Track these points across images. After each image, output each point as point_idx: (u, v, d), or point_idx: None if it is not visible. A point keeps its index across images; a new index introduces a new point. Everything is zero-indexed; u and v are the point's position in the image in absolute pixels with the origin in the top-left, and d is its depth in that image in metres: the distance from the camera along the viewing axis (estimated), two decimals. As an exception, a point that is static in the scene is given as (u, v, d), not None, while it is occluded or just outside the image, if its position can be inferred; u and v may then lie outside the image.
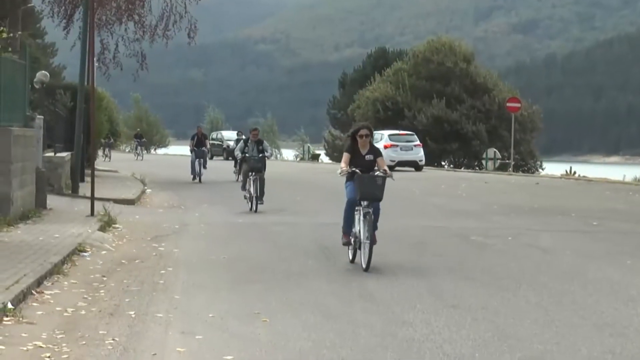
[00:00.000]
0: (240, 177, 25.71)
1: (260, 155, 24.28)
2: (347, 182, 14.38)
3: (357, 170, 14.16)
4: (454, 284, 12.45)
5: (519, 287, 12.24)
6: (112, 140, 63.23)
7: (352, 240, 14.15)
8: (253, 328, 9.61)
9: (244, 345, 8.86)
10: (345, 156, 14.35)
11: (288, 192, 28.90)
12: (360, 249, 13.94)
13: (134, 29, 37.95)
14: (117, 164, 47.55)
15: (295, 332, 9.39)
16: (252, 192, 23.30)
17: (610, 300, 11.26)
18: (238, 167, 27.59)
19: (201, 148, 36.79)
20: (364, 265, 13.55)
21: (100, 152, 57.22)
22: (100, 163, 41.37)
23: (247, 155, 24.32)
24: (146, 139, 73.04)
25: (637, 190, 33.37)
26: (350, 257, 14.31)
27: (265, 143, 25.02)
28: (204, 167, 36.36)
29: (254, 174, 23.45)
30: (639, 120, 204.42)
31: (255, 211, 22.81)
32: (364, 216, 13.89)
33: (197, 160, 35.94)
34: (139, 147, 67.17)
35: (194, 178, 35.81)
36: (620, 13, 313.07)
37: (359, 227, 13.96)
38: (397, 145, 47.59)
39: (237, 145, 28.40)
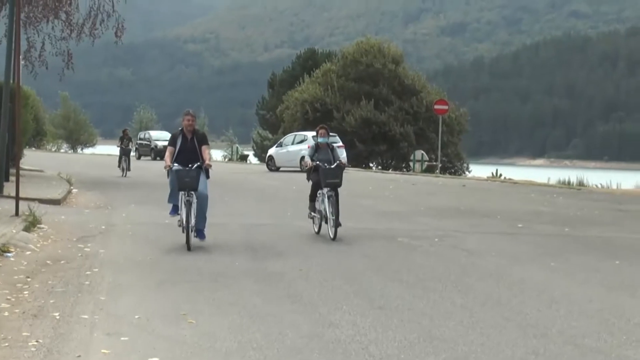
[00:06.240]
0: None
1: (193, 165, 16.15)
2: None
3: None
4: (381, 285, 12.51)
5: (444, 288, 12.33)
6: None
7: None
8: (179, 329, 9.57)
9: (169, 346, 8.82)
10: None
11: (216, 192, 28.76)
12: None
13: (61, 27, 37.54)
14: (43, 162, 46.92)
15: (222, 333, 9.38)
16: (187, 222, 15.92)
17: (534, 302, 11.40)
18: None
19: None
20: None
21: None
22: (25, 162, 40.68)
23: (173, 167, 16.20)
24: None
25: (562, 192, 33.83)
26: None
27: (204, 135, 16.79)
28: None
29: (187, 193, 16.01)
30: (564, 124, 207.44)
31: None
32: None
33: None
34: (123, 157, 41.70)
35: None
36: (546, 17, 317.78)
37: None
38: None
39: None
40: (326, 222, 17.74)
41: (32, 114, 42.98)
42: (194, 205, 15.93)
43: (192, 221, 15.84)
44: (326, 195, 17.71)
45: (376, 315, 10.44)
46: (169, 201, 16.76)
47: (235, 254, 15.53)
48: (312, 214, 18.54)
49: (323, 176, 17.77)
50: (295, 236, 18.19)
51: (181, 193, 16.09)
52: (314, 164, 18.11)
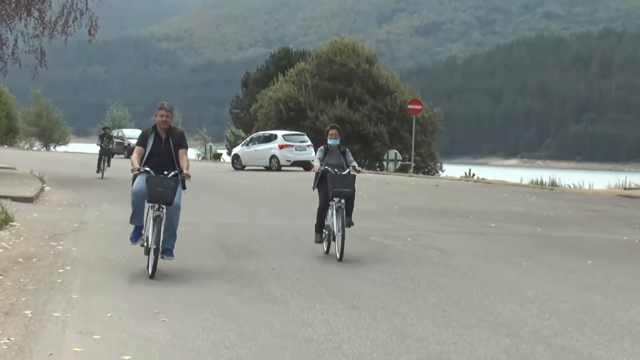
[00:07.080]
0: None
1: (173, 175, 13.23)
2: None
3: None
4: (354, 284, 12.52)
5: (417, 287, 12.35)
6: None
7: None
8: (152, 328, 9.54)
9: (142, 345, 8.79)
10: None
11: (189, 191, 28.68)
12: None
13: (34, 24, 37.32)
14: (15, 160, 46.68)
15: (194, 332, 9.36)
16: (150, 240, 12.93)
17: (506, 302, 11.44)
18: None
19: None
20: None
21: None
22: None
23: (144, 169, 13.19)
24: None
25: (534, 192, 33.94)
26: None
27: (180, 133, 13.60)
28: None
29: (157, 207, 12.94)
30: (537, 124, 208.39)
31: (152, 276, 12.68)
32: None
33: None
34: (103, 157, 38.12)
35: None
36: (519, 18, 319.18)
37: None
38: (292, 146, 47.90)
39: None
40: (333, 240, 15.11)
41: (5, 111, 42.85)
42: (164, 222, 12.86)
43: (161, 242, 12.77)
44: (335, 207, 15.07)
45: (349, 314, 10.44)
46: (132, 221, 13.55)
47: (208, 252, 15.50)
48: (321, 237, 15.72)
49: (331, 183, 15.05)
50: (268, 235, 18.17)
51: (149, 206, 13.04)
52: (323, 167, 15.49)
